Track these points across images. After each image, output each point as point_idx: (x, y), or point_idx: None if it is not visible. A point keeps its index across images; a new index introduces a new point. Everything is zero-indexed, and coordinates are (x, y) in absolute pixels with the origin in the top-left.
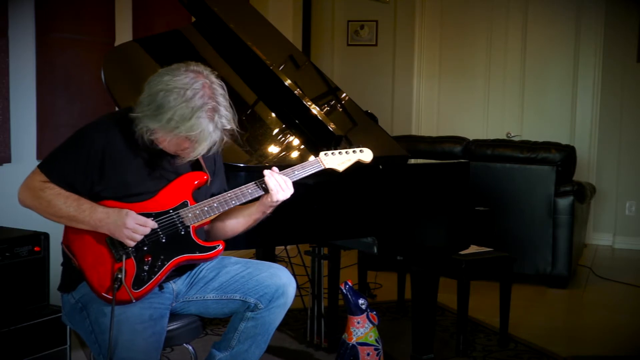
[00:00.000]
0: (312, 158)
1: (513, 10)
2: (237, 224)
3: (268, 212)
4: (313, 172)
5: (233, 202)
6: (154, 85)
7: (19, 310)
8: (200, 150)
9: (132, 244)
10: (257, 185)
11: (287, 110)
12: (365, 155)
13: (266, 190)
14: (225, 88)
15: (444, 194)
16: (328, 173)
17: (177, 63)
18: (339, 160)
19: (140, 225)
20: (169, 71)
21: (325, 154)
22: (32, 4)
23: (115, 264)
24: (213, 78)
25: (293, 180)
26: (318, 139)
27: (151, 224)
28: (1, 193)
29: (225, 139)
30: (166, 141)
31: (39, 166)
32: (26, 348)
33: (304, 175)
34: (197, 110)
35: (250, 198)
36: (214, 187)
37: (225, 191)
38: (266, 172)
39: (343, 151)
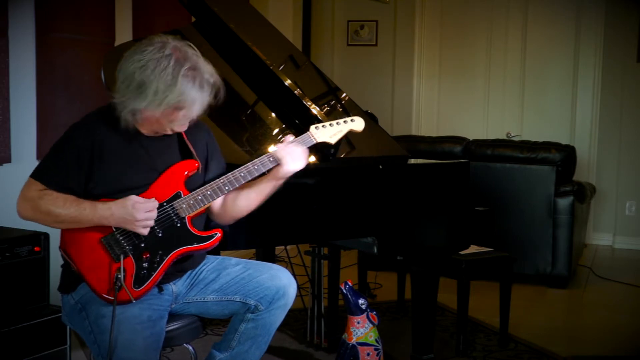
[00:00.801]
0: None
1: (513, 10)
2: (249, 201)
3: (279, 184)
4: (305, 147)
5: (227, 188)
6: (126, 67)
7: (19, 310)
8: (193, 113)
9: (147, 231)
10: (249, 169)
11: (287, 110)
12: (357, 124)
13: (260, 172)
14: (193, 46)
15: (444, 194)
16: (327, 173)
17: (138, 42)
18: (330, 132)
19: (149, 211)
20: (135, 51)
21: (315, 127)
22: (32, 4)
23: (113, 264)
24: (179, 42)
25: None
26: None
27: (156, 203)
28: (1, 193)
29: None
30: (155, 117)
31: (32, 176)
32: (26, 348)
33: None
34: (178, 74)
35: (243, 182)
36: (211, 172)
37: (225, 171)
38: (279, 145)
39: (334, 122)
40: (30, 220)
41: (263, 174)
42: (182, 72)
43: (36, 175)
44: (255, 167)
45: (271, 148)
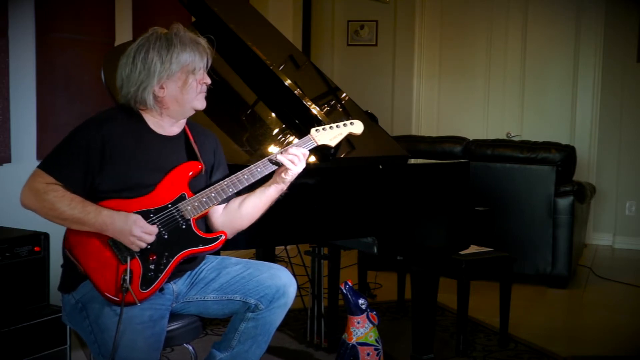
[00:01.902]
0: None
1: (513, 10)
2: (253, 209)
3: (284, 189)
4: (307, 149)
5: (230, 189)
6: (125, 62)
7: (19, 310)
8: (202, 70)
9: (137, 249)
10: (251, 171)
11: (287, 110)
12: (356, 127)
13: (262, 174)
14: None
15: (444, 194)
16: (327, 173)
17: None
18: (330, 135)
19: (147, 233)
20: (124, 51)
21: (316, 130)
22: (32, 4)
23: (120, 265)
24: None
25: None
26: None
27: (155, 230)
28: (1, 193)
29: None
30: (173, 94)
31: (40, 167)
32: (26, 348)
33: None
34: (172, 39)
35: (247, 184)
36: (215, 179)
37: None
38: (277, 152)
39: (334, 125)
40: (32, 210)
41: (266, 179)
42: (173, 36)
43: (45, 167)
44: (258, 169)
45: (271, 148)
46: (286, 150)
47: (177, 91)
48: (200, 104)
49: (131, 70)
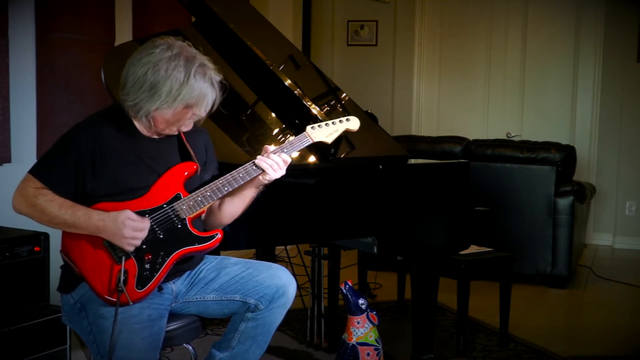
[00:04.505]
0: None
1: (513, 10)
2: (233, 208)
3: (260, 190)
4: (302, 147)
5: (225, 188)
6: (135, 70)
7: (19, 310)
8: (203, 111)
9: (132, 249)
10: (247, 169)
11: (287, 110)
12: (352, 123)
13: (257, 172)
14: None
15: (444, 194)
16: (327, 173)
17: (141, 46)
18: (326, 132)
19: (138, 231)
20: (141, 54)
21: (312, 127)
22: (32, 4)
23: (115, 266)
24: (181, 42)
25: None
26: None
27: (147, 224)
28: (1, 193)
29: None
30: (166, 118)
31: (30, 172)
32: (26, 348)
33: (293, 152)
34: (190, 72)
35: (242, 182)
36: (206, 176)
37: (219, 173)
38: (259, 157)
39: (330, 122)
40: (25, 215)
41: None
42: (194, 69)
43: (35, 172)
44: (254, 167)
45: (271, 149)
46: (268, 155)
47: (170, 116)
48: (188, 128)
49: (137, 81)
